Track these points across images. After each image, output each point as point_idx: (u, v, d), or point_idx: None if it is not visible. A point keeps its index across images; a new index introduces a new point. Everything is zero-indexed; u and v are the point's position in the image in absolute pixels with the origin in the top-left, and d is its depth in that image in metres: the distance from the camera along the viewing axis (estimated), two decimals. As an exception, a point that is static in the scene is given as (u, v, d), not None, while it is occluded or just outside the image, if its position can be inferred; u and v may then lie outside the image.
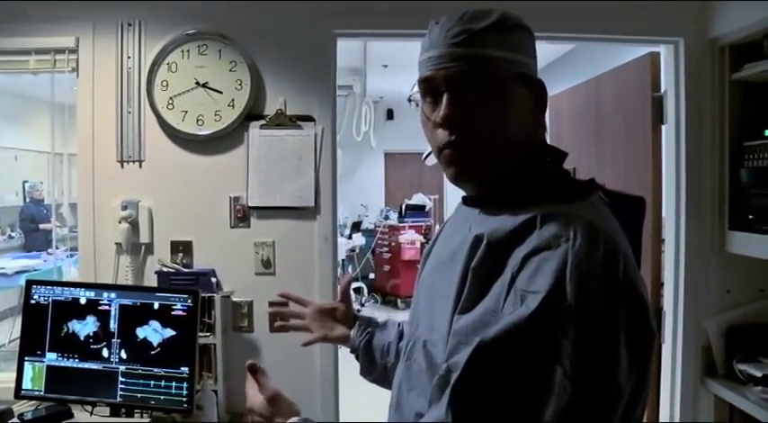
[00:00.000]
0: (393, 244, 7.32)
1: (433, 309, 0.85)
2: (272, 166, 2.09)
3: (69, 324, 1.81)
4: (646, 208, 0.93)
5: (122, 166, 2.10)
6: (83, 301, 1.81)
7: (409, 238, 7.14)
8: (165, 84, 2.06)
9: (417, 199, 7.81)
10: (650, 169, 2.19)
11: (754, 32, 1.82)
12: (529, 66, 0.85)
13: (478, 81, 0.80)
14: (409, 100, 1.07)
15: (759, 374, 1.85)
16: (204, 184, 2.10)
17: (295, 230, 2.11)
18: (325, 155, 2.10)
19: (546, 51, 4.46)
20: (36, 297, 1.83)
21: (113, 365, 1.79)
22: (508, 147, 0.83)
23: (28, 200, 6.79)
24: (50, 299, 1.83)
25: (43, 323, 1.81)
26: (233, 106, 2.06)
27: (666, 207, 2.16)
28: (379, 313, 4.53)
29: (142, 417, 1.84)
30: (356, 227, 7.93)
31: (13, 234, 6.89)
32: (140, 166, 2.10)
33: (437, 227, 7.95)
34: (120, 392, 1.78)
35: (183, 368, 1.75)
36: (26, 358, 1.82)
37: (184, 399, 1.75)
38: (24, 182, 6.89)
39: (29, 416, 1.80)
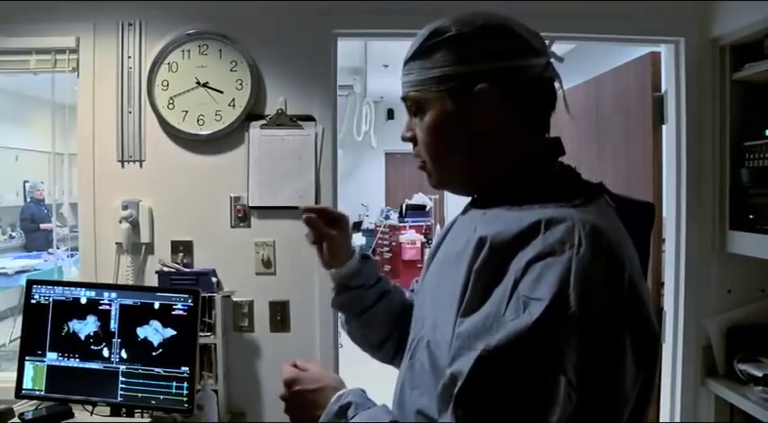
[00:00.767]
0: (393, 244, 7.33)
1: (437, 308, 0.85)
2: (272, 165, 2.09)
3: (70, 324, 1.81)
4: (654, 214, 0.91)
5: (123, 166, 2.10)
6: (83, 300, 1.82)
7: (410, 237, 7.15)
8: (165, 83, 2.06)
9: (418, 199, 7.82)
10: (651, 169, 2.19)
11: (754, 32, 1.82)
12: (502, 71, 0.80)
13: (427, 103, 0.84)
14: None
15: (760, 374, 1.85)
16: (205, 184, 2.10)
17: (295, 230, 2.10)
18: (326, 155, 2.10)
19: (546, 51, 4.44)
20: (37, 297, 1.83)
21: (114, 365, 1.79)
22: (483, 159, 0.84)
23: (29, 200, 6.80)
24: (51, 299, 1.83)
25: (44, 323, 1.82)
26: (233, 106, 2.06)
27: (667, 207, 2.16)
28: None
29: (143, 416, 1.84)
30: (357, 227, 7.93)
31: (13, 234, 6.89)
32: (141, 165, 2.10)
33: (437, 227, 7.97)
34: (120, 392, 1.78)
35: (183, 368, 1.75)
36: (27, 358, 1.83)
37: (185, 398, 1.75)
38: (25, 182, 6.90)
39: (29, 415, 1.80)
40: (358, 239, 7.40)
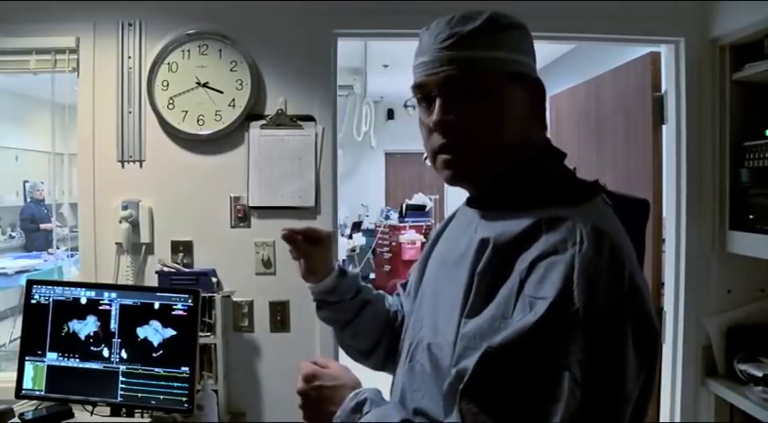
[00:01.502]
0: (393, 244, 7.32)
1: (438, 311, 0.85)
2: (272, 165, 2.09)
3: (70, 324, 1.81)
4: (649, 210, 0.93)
5: (123, 166, 2.10)
6: (83, 300, 1.82)
7: (410, 237, 7.14)
8: (165, 83, 2.06)
9: (418, 199, 7.81)
10: (651, 169, 2.19)
11: (754, 32, 1.82)
12: (524, 64, 0.84)
13: (469, 84, 0.81)
14: (405, 106, 1.09)
15: (760, 374, 1.85)
16: (205, 184, 2.10)
17: (295, 230, 2.10)
18: (326, 155, 2.10)
19: (546, 51, 4.46)
20: (37, 297, 1.83)
21: (114, 365, 1.79)
22: (504, 147, 0.83)
23: (28, 200, 6.80)
24: (51, 299, 1.83)
25: (44, 323, 1.82)
26: (233, 106, 2.06)
27: (667, 207, 2.16)
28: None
29: (143, 417, 1.84)
30: (357, 227, 7.94)
31: (13, 234, 6.89)
32: (141, 165, 2.10)
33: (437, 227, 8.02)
34: (120, 392, 1.78)
35: (183, 368, 1.75)
36: (27, 358, 1.83)
37: (185, 399, 1.75)
38: (25, 182, 6.89)
39: (29, 416, 1.80)
40: (358, 239, 7.41)
